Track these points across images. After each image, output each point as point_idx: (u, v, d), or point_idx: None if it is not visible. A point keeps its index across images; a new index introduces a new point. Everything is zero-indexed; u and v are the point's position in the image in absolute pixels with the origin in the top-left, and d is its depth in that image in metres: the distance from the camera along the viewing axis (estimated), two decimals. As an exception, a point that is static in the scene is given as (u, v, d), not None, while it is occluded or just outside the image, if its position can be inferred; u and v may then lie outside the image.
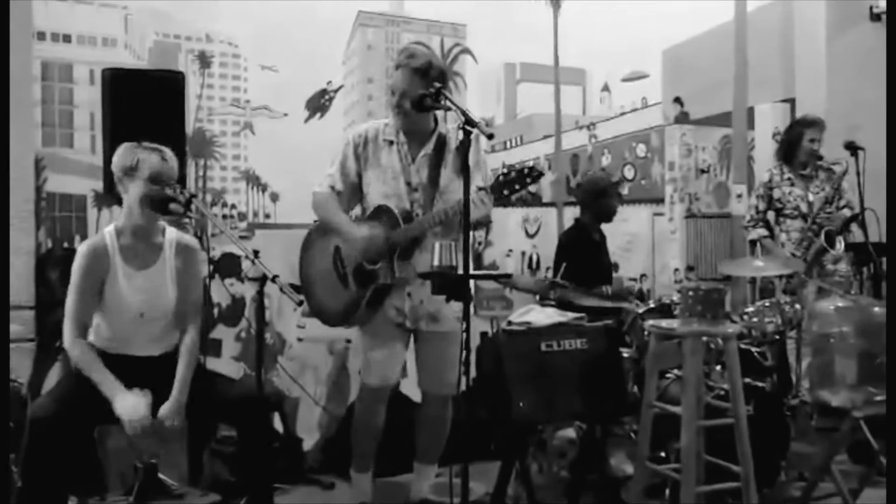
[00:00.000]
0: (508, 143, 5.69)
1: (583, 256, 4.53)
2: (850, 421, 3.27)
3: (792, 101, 5.93)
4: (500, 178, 3.04)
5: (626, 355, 3.72)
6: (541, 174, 3.06)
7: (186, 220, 3.06)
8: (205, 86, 4.71)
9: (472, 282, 2.65)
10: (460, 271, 2.64)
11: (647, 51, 5.89)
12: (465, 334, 2.58)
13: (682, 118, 6.04)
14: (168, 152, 3.00)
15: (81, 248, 2.98)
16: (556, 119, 5.78)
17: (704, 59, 6.09)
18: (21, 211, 3.97)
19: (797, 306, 4.01)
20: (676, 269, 5.97)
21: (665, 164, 5.97)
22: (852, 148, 4.46)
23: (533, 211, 5.67)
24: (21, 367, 3.85)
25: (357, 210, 3.52)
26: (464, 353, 2.59)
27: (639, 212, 5.92)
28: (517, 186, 3.02)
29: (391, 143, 3.34)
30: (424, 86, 3.08)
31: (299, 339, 4.70)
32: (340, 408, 4.54)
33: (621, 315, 3.83)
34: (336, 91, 4.97)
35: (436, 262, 2.79)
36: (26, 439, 2.74)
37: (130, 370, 2.91)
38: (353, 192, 3.40)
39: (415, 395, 3.72)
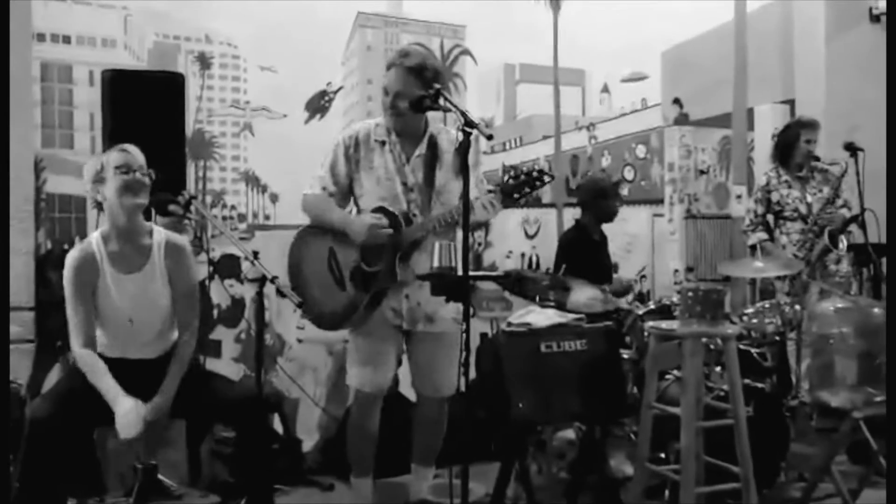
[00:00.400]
0: (508, 144, 5.69)
1: (583, 257, 4.53)
2: (849, 422, 3.27)
3: (791, 102, 5.93)
4: (510, 181, 3.00)
5: (625, 356, 3.72)
6: (552, 177, 3.04)
7: (186, 221, 3.05)
8: (204, 87, 4.71)
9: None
10: (458, 272, 2.63)
11: (646, 52, 5.89)
12: (465, 335, 2.57)
13: (682, 119, 6.04)
14: (129, 146, 3.00)
15: (69, 258, 2.98)
16: (555, 120, 5.78)
17: (704, 61, 6.09)
18: (20, 212, 3.97)
19: (797, 307, 4.01)
20: (676, 270, 5.97)
21: (665, 165, 5.98)
22: (852, 149, 4.45)
23: (533, 212, 5.67)
24: (20, 367, 3.85)
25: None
26: (464, 353, 2.58)
27: (638, 213, 5.92)
28: (527, 189, 3.01)
29: (383, 143, 3.29)
30: (419, 85, 3.08)
31: (299, 341, 4.70)
32: (340, 409, 4.53)
33: (620, 315, 3.84)
34: (335, 92, 4.97)
35: (435, 263, 2.78)
36: (25, 440, 2.74)
37: (127, 373, 2.91)
38: (344, 194, 3.35)
39: (413, 394, 3.71)
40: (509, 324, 3.42)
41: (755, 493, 3.05)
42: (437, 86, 2.76)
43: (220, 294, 4.61)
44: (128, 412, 2.80)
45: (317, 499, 3.89)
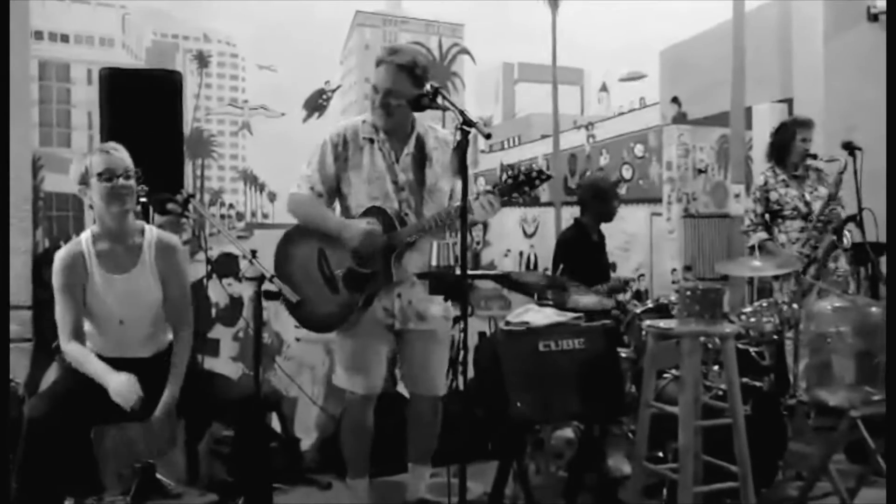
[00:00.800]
0: (506, 143, 5.69)
1: (581, 256, 4.54)
2: (847, 421, 3.28)
3: (790, 102, 5.93)
4: (509, 180, 2.98)
5: (623, 355, 3.73)
6: (549, 177, 3.02)
7: (184, 219, 3.04)
8: (202, 85, 4.70)
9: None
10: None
11: (644, 51, 5.89)
12: (463, 334, 2.57)
13: (680, 118, 6.04)
14: (112, 146, 2.97)
15: (58, 256, 2.97)
16: (554, 119, 5.78)
17: (702, 60, 6.09)
18: (19, 210, 3.97)
19: (794, 306, 4.01)
20: (674, 269, 5.97)
21: (663, 163, 5.98)
22: (850, 148, 4.45)
23: (531, 211, 5.67)
24: (18, 366, 3.85)
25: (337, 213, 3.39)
26: (462, 352, 2.58)
27: (637, 212, 5.92)
28: (525, 189, 2.99)
29: (371, 141, 3.24)
30: (409, 83, 3.08)
31: (297, 339, 4.70)
32: (338, 408, 4.52)
33: (617, 313, 3.84)
34: (334, 91, 4.97)
35: (434, 262, 2.78)
36: (22, 439, 2.74)
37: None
38: (332, 194, 3.29)
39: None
40: (508, 323, 3.42)
41: (753, 492, 3.05)
42: (436, 84, 2.75)
43: (218, 293, 4.61)
44: (121, 384, 2.80)
45: (315, 497, 3.89)
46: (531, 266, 5.64)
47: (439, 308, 3.32)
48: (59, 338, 2.96)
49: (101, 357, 2.95)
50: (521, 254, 5.66)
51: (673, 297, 3.76)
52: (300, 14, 4.76)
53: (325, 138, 3.28)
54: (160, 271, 3.04)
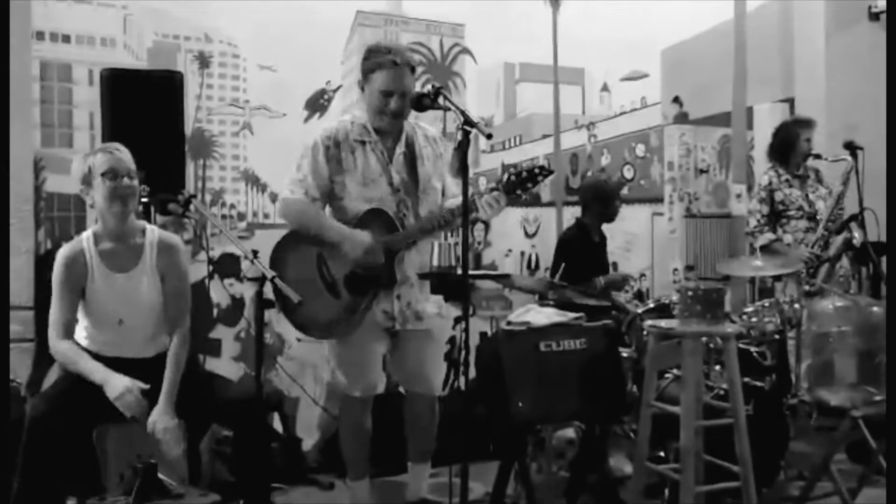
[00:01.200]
0: (507, 143, 5.69)
1: (582, 257, 4.54)
2: (848, 420, 3.28)
3: (791, 101, 5.93)
4: (513, 177, 2.96)
5: (625, 355, 3.72)
6: (551, 172, 3.01)
7: (185, 220, 3.04)
8: (204, 86, 4.70)
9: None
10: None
11: (646, 50, 5.88)
12: (464, 334, 2.57)
13: (682, 118, 6.04)
14: (116, 146, 2.98)
15: (59, 254, 2.98)
16: (555, 119, 5.78)
17: (704, 59, 6.09)
18: (20, 211, 3.97)
19: (796, 306, 4.01)
20: (675, 269, 5.97)
21: (664, 163, 5.97)
22: (851, 147, 4.45)
23: (532, 211, 5.67)
24: (20, 366, 3.86)
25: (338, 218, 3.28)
26: (463, 352, 2.58)
27: (638, 212, 5.92)
28: (529, 185, 2.98)
29: (363, 143, 3.21)
30: (413, 79, 3.12)
31: (298, 339, 4.69)
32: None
33: (618, 311, 3.84)
34: (335, 91, 4.97)
35: (435, 263, 2.78)
36: (24, 439, 2.74)
37: (124, 372, 2.91)
38: (325, 198, 3.23)
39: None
40: (509, 323, 3.42)
41: (754, 492, 3.05)
42: (437, 84, 2.75)
43: (219, 293, 4.61)
44: (123, 393, 2.80)
45: (317, 498, 3.89)
46: (532, 266, 5.64)
47: (434, 306, 3.32)
48: (49, 335, 2.96)
49: (99, 357, 2.95)
50: (522, 254, 5.66)
51: (674, 297, 3.75)
52: (301, 14, 4.76)
53: (316, 140, 3.21)
54: (161, 271, 3.04)
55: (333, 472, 3.97)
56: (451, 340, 5.00)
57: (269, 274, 2.71)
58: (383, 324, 3.25)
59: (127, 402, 2.81)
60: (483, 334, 5.12)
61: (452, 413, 3.44)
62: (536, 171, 2.96)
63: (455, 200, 3.26)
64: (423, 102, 2.75)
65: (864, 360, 3.60)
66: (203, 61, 4.70)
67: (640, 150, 5.96)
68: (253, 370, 2.93)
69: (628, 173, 5.93)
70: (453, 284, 3.05)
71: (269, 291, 2.79)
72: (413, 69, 3.16)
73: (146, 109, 3.60)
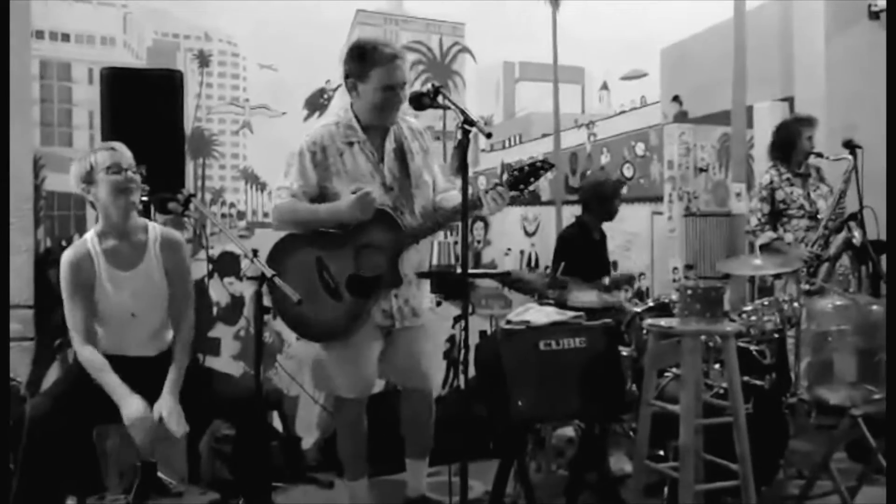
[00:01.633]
0: (507, 142, 5.69)
1: (582, 254, 4.54)
2: (848, 419, 3.28)
3: (790, 100, 5.93)
4: (515, 172, 2.98)
5: (624, 354, 3.72)
6: (552, 165, 3.03)
7: (185, 218, 3.05)
8: (204, 84, 4.71)
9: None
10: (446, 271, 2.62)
11: (645, 49, 5.88)
12: (464, 333, 2.57)
13: (681, 117, 6.04)
14: (116, 144, 3.00)
15: (65, 258, 2.98)
16: (554, 118, 5.78)
17: (703, 58, 6.09)
18: (20, 210, 3.97)
19: (795, 304, 4.01)
20: (675, 268, 5.97)
21: (664, 162, 5.98)
22: (851, 146, 4.44)
23: (532, 210, 5.67)
24: (20, 365, 3.86)
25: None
26: (463, 351, 2.58)
27: (638, 210, 5.92)
28: (532, 179, 3.00)
29: (351, 143, 3.19)
30: (408, 72, 3.17)
31: (298, 338, 4.69)
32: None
33: (618, 312, 3.84)
34: (335, 90, 4.97)
35: (435, 261, 2.78)
36: (24, 439, 2.74)
37: (128, 371, 2.92)
38: (315, 202, 3.19)
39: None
40: (508, 322, 3.42)
41: (754, 491, 3.05)
42: (437, 83, 2.75)
43: (219, 292, 4.61)
44: (139, 419, 2.80)
45: (316, 496, 3.90)
46: (532, 265, 5.64)
47: (427, 302, 3.34)
48: (73, 342, 2.96)
49: (104, 355, 2.95)
50: (521, 252, 5.66)
51: (674, 296, 3.76)
52: (301, 13, 4.76)
53: (301, 147, 3.18)
54: (165, 267, 3.06)
55: (333, 470, 3.97)
56: (451, 339, 5.02)
57: (269, 273, 2.70)
58: (382, 323, 3.23)
59: (139, 430, 2.80)
60: (483, 333, 5.12)
61: (452, 412, 3.43)
62: (538, 164, 3.00)
63: (449, 195, 3.26)
64: (423, 101, 2.74)
65: (863, 358, 3.61)
66: (203, 60, 4.70)
67: (639, 148, 5.96)
68: (252, 369, 2.93)
69: (628, 172, 5.93)
70: (453, 283, 3.05)
71: (266, 301, 2.78)
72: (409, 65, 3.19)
73: (146, 108, 3.60)
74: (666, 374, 3.61)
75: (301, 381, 4.64)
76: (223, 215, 4.70)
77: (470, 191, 2.68)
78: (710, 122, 6.12)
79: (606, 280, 4.51)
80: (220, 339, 4.63)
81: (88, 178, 2.95)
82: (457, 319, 5.00)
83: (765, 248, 4.67)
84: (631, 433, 3.68)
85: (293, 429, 4.46)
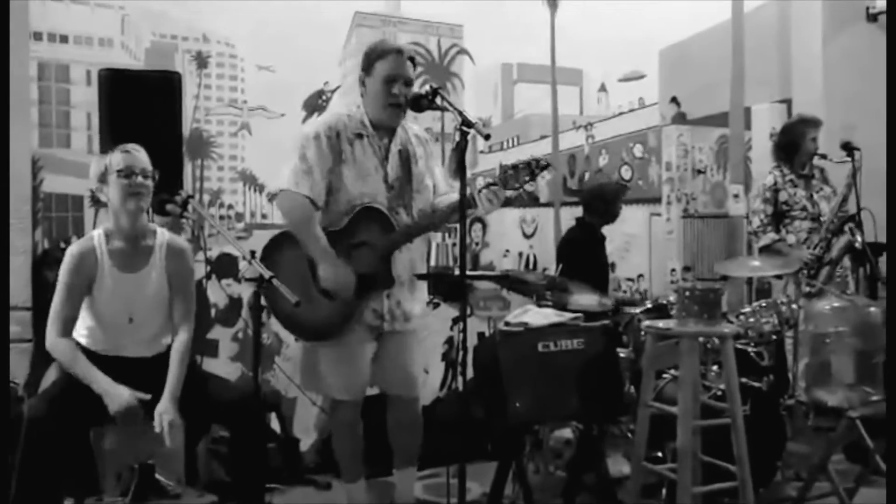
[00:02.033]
0: (505, 144, 5.70)
1: (584, 257, 4.55)
2: (846, 421, 3.28)
3: (788, 102, 5.94)
4: (510, 171, 2.93)
5: (622, 355, 3.72)
6: (548, 165, 2.98)
7: (183, 220, 3.05)
8: (202, 86, 4.71)
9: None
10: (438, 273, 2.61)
11: (643, 51, 5.89)
12: (462, 335, 2.56)
13: (679, 118, 6.05)
14: (134, 146, 3.01)
15: (70, 251, 2.98)
16: (553, 119, 5.79)
17: (701, 60, 6.10)
18: (18, 211, 3.97)
19: (794, 306, 4.01)
20: (673, 270, 5.97)
21: (662, 164, 5.98)
22: (849, 148, 4.44)
23: (530, 211, 5.67)
24: (18, 367, 3.85)
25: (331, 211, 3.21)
26: (461, 353, 2.58)
27: (636, 212, 5.93)
28: (526, 178, 2.95)
29: (360, 136, 3.18)
30: (412, 74, 3.13)
31: (296, 339, 4.69)
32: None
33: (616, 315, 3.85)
34: (333, 91, 4.97)
35: (433, 263, 2.78)
36: (22, 440, 2.74)
37: (123, 371, 2.91)
38: (324, 189, 3.16)
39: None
40: (507, 323, 3.42)
41: (752, 492, 3.05)
42: (435, 85, 2.75)
43: (217, 293, 4.61)
44: (123, 407, 2.80)
45: (314, 498, 3.89)
46: (530, 266, 5.64)
47: (420, 307, 3.31)
48: (48, 331, 2.94)
49: (100, 356, 2.95)
50: (520, 254, 5.67)
51: (672, 298, 3.76)
52: (299, 15, 4.76)
53: (318, 131, 3.15)
54: (168, 273, 3.07)
55: (331, 472, 3.97)
56: (450, 341, 5.02)
57: (267, 274, 2.70)
58: (372, 322, 3.20)
59: (126, 416, 2.81)
60: (481, 335, 5.12)
61: (450, 413, 3.43)
62: (533, 163, 2.94)
63: (447, 197, 3.25)
64: (421, 103, 2.74)
65: (861, 360, 3.61)
66: (201, 61, 4.70)
67: (637, 150, 5.97)
68: (250, 370, 2.93)
69: (626, 174, 5.93)
70: (451, 285, 3.05)
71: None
72: (414, 64, 3.17)
73: (144, 110, 3.59)
74: (664, 375, 3.61)
75: (299, 382, 4.63)
76: (221, 217, 4.70)
77: (467, 190, 2.67)
78: (708, 123, 6.13)
79: (609, 302, 4.49)
80: (219, 340, 4.63)
81: (102, 179, 2.98)
82: (455, 321, 5.00)
83: (765, 249, 4.66)
84: (629, 434, 3.68)
85: (291, 430, 4.45)
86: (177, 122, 3.80)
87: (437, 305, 4.76)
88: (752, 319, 3.95)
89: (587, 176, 5.83)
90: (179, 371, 2.98)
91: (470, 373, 2.69)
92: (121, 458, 3.22)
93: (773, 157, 4.90)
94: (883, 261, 4.46)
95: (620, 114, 5.98)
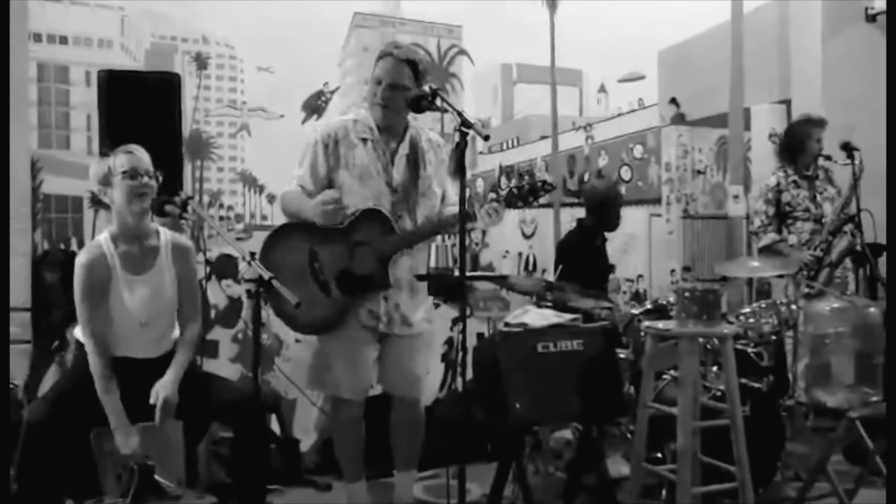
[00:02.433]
0: (505, 145, 5.69)
1: (583, 259, 4.55)
2: (845, 421, 3.28)
3: (788, 102, 5.94)
4: (514, 190, 2.99)
5: (622, 356, 3.72)
6: (553, 187, 3.04)
7: (183, 221, 3.05)
8: (201, 87, 4.71)
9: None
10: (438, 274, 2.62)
11: (643, 52, 5.89)
12: (461, 335, 2.57)
13: (679, 119, 6.05)
14: (136, 147, 3.02)
15: (80, 260, 2.97)
16: (552, 120, 5.79)
17: (701, 61, 6.10)
18: (17, 212, 3.97)
19: (793, 307, 4.01)
20: (673, 270, 5.97)
21: (662, 165, 5.98)
22: (848, 149, 4.43)
23: (529, 212, 5.67)
24: (18, 368, 3.85)
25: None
26: (460, 354, 2.58)
27: (635, 213, 5.93)
28: (531, 199, 3.01)
29: (365, 140, 3.21)
30: (412, 78, 3.11)
31: (297, 340, 4.69)
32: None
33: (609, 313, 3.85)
34: (332, 92, 4.98)
35: (432, 264, 2.78)
36: (22, 442, 2.74)
37: (129, 372, 2.93)
38: (323, 189, 3.20)
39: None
40: (506, 324, 3.42)
41: (751, 493, 3.05)
42: (434, 86, 2.75)
43: (216, 294, 4.61)
44: (130, 451, 2.85)
45: (314, 499, 3.89)
46: (530, 267, 5.64)
47: (421, 312, 3.31)
48: (88, 351, 2.93)
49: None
50: (519, 255, 5.67)
51: (671, 298, 3.76)
52: (299, 16, 4.76)
53: (316, 138, 3.25)
54: (176, 272, 3.08)
55: (331, 473, 3.97)
56: (449, 341, 5.03)
57: (267, 275, 2.70)
58: (367, 323, 3.21)
59: (131, 457, 2.84)
60: (480, 335, 5.12)
61: (449, 414, 3.43)
62: (539, 185, 2.99)
63: (454, 208, 3.25)
64: (421, 104, 2.75)
65: (860, 361, 3.61)
66: (200, 63, 4.70)
67: (637, 151, 5.97)
68: (250, 371, 2.93)
69: (626, 174, 5.93)
70: (451, 286, 3.05)
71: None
72: (414, 68, 3.15)
73: (143, 111, 3.59)
74: (664, 376, 3.61)
75: (299, 383, 4.63)
76: (221, 218, 4.71)
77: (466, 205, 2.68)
78: (707, 124, 6.13)
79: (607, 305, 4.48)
80: (219, 341, 4.63)
81: (105, 181, 2.98)
82: (455, 322, 5.00)
83: (765, 249, 4.65)
84: (628, 435, 3.68)
85: (291, 431, 4.45)
86: (176, 124, 3.80)
87: (437, 306, 4.76)
88: (751, 320, 3.95)
89: (587, 176, 5.83)
90: (185, 357, 3.02)
91: (469, 373, 2.70)
92: (120, 459, 3.22)
93: (777, 157, 4.88)
94: (883, 262, 4.46)
95: (620, 115, 5.98)
